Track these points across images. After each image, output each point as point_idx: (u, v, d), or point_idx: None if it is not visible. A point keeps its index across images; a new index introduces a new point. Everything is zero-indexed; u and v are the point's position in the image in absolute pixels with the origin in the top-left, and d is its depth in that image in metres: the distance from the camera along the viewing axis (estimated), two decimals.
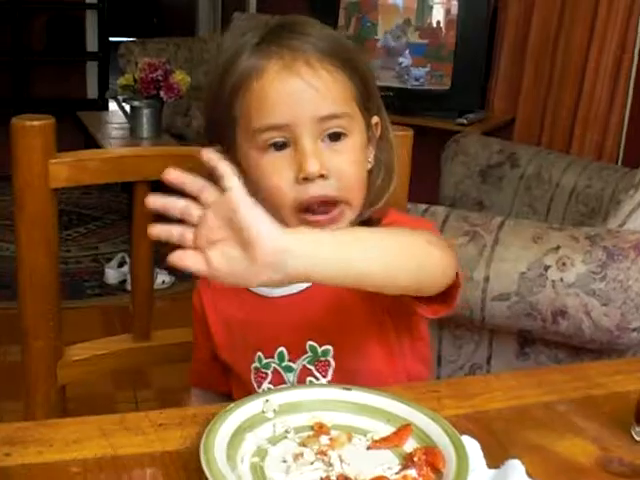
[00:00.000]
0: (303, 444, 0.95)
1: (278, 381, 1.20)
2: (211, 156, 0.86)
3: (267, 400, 1.00)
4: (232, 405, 0.99)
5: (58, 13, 6.13)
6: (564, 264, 1.77)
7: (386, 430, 0.98)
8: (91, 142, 4.21)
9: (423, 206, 2.00)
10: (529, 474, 0.90)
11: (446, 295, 1.06)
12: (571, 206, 3.07)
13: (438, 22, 4.17)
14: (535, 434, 1.02)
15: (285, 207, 1.10)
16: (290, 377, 1.20)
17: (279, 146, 1.09)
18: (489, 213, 2.93)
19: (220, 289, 1.20)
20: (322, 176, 1.08)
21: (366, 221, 1.17)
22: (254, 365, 1.21)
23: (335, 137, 1.10)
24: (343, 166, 1.10)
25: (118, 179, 1.44)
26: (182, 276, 3.85)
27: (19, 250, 1.32)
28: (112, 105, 5.37)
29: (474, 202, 3.34)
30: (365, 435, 0.98)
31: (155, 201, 0.88)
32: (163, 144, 3.95)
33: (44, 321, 1.35)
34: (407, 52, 4.24)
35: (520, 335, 1.94)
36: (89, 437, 0.98)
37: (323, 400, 1.03)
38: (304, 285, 1.16)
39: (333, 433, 0.97)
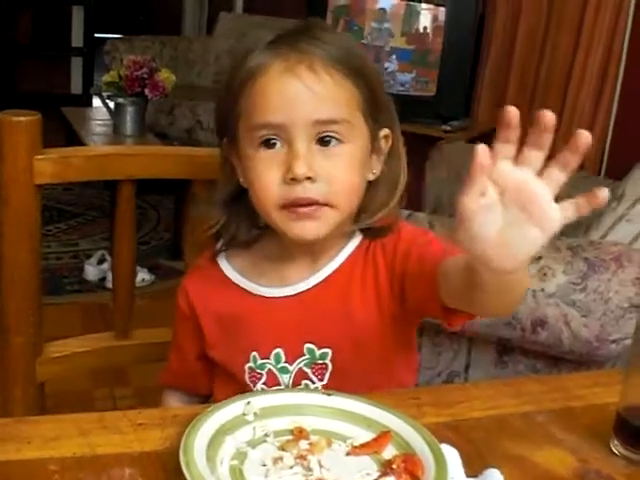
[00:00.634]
0: (282, 448, 0.95)
1: (272, 382, 1.20)
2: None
3: (248, 402, 1.01)
4: (212, 407, 0.99)
5: (44, 7, 6.11)
6: (545, 274, 1.77)
7: (366, 436, 0.98)
8: (74, 138, 4.19)
9: (406, 212, 2.00)
10: None
11: None
12: None
13: (425, 28, 4.17)
14: (514, 444, 1.03)
15: (269, 204, 1.11)
16: (285, 379, 1.19)
17: (270, 144, 1.10)
18: None
19: (209, 285, 1.22)
20: (309, 179, 1.08)
21: (368, 230, 1.18)
22: (248, 365, 1.20)
23: (329, 142, 1.10)
24: (334, 171, 1.10)
25: (102, 177, 1.44)
26: (162, 274, 3.84)
27: (2, 246, 1.32)
28: (96, 101, 5.35)
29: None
30: (345, 441, 0.98)
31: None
32: (146, 142, 3.93)
33: (24, 317, 1.35)
34: (393, 57, 4.24)
35: (499, 344, 1.94)
36: (67, 435, 0.98)
37: (304, 405, 1.03)
38: (303, 287, 1.17)
39: (313, 438, 0.97)
